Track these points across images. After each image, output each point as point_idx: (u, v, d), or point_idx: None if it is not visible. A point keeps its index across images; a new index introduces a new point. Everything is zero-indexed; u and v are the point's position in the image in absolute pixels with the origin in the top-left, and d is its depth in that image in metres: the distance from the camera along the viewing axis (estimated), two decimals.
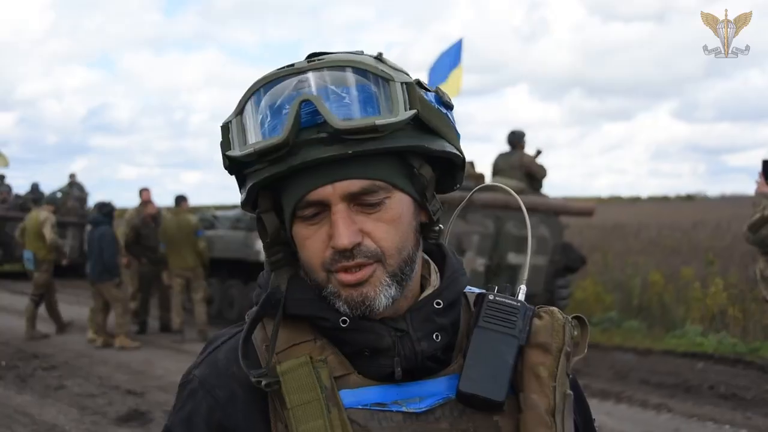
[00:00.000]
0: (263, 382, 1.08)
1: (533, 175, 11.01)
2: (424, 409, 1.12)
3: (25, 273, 19.66)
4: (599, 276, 13.40)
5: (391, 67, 1.09)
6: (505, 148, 11.35)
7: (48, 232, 11.48)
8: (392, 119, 1.03)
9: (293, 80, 1.05)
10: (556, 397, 1.13)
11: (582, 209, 12.23)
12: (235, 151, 1.08)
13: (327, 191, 1.06)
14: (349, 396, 1.10)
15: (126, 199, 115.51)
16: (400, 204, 1.10)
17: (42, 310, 11.76)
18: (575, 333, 1.20)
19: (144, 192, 12.28)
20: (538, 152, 11.36)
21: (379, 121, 1.02)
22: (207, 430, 1.15)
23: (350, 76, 1.05)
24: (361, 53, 1.12)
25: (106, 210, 11.04)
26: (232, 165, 1.11)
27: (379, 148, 1.04)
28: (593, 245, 16.37)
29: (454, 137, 1.14)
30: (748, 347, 9.76)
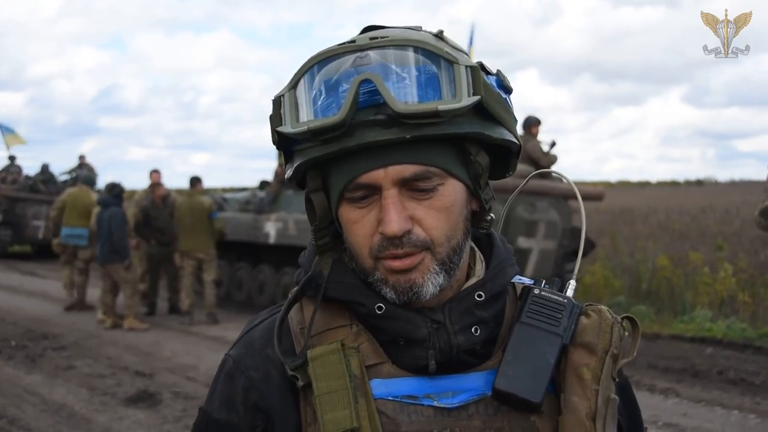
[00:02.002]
0: (300, 382, 1.07)
1: (536, 162, 10.97)
2: (456, 405, 1.08)
3: (33, 253, 19.87)
4: (608, 261, 13.36)
5: (452, 47, 1.05)
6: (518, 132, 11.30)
7: (94, 216, 11.56)
8: (455, 105, 0.98)
9: (351, 57, 1.00)
10: (599, 401, 1.07)
11: (592, 193, 12.17)
12: (287, 128, 1.03)
13: (379, 175, 1.02)
14: (380, 386, 1.07)
15: (135, 181, 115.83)
16: (453, 191, 1.06)
17: (49, 285, 11.82)
18: (625, 334, 1.14)
19: (154, 174, 12.28)
20: (553, 143, 11.34)
21: (442, 107, 0.97)
22: (245, 412, 1.13)
23: (413, 57, 1.00)
24: (420, 29, 1.08)
25: (115, 191, 11.04)
26: (281, 141, 1.07)
27: (438, 134, 1.00)
28: (602, 230, 16.33)
29: (512, 123, 1.10)
30: (758, 332, 9.73)
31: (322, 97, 1.01)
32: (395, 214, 1.01)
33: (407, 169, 1.01)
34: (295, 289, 1.14)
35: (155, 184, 12.11)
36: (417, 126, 0.98)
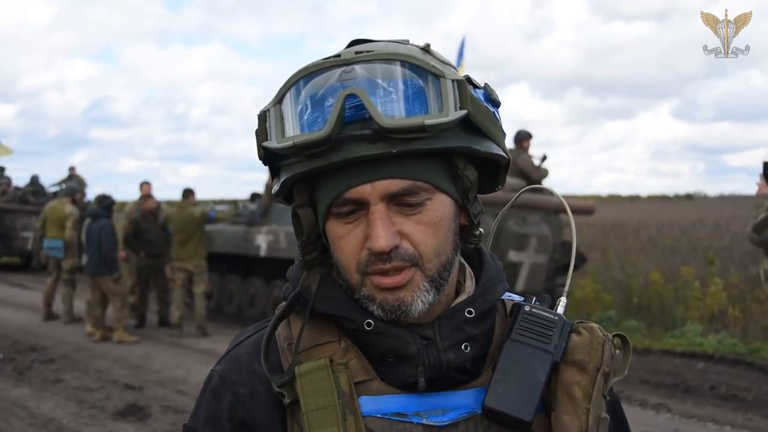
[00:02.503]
0: (286, 400, 1.06)
1: (527, 176, 11.00)
2: (446, 423, 1.07)
3: (22, 265, 19.78)
4: (599, 275, 13.39)
5: (439, 60, 1.04)
6: (509, 146, 11.36)
7: (69, 228, 11.58)
8: (442, 119, 0.97)
9: (338, 71, 0.99)
10: (590, 419, 1.06)
11: (582, 207, 12.20)
12: (273, 143, 1.02)
13: (366, 190, 1.00)
14: (368, 403, 1.06)
15: (126, 192, 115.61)
16: (441, 206, 1.04)
17: (37, 297, 11.79)
18: (616, 352, 1.13)
19: (144, 185, 12.26)
20: (544, 157, 11.38)
21: (429, 121, 0.96)
22: (231, 428, 1.11)
23: (399, 71, 0.99)
24: (407, 42, 1.08)
25: (105, 203, 11.02)
26: (267, 156, 1.06)
27: (424, 149, 0.99)
28: (593, 244, 16.37)
29: (500, 137, 1.09)
30: (749, 348, 9.74)
31: (308, 111, 1.00)
32: (383, 230, 1.00)
33: (394, 184, 1.00)
34: (283, 304, 1.13)
35: (146, 196, 12.09)
36: (403, 141, 0.97)
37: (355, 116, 0.98)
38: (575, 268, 11.35)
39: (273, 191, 1.12)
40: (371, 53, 0.99)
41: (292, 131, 1.01)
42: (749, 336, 10.32)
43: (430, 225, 1.03)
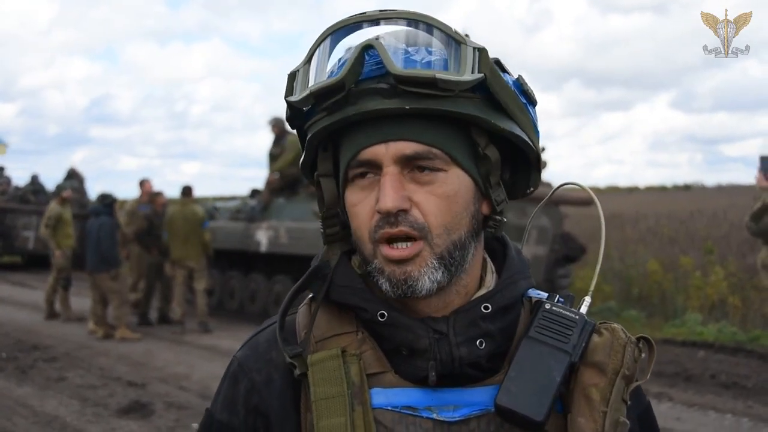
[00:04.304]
0: (296, 372, 1.06)
1: None
2: (457, 419, 1.05)
3: (22, 264, 19.80)
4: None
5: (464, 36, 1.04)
6: None
7: (42, 226, 11.75)
8: (455, 77, 0.96)
9: (362, 27, 1.02)
10: (606, 423, 1.03)
11: (582, 199, 12.20)
12: (294, 97, 1.04)
13: (380, 150, 1.01)
14: (380, 395, 1.05)
15: (126, 190, 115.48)
16: (457, 181, 1.03)
17: (39, 296, 11.83)
18: (642, 355, 1.09)
19: (145, 183, 12.27)
20: (542, 149, 11.41)
21: (440, 75, 0.96)
22: (246, 414, 1.12)
23: (421, 32, 1.01)
24: None
25: (107, 201, 11.04)
26: (294, 117, 1.08)
27: (438, 109, 0.98)
28: (592, 235, 16.37)
29: (529, 127, 1.07)
30: (748, 336, 9.78)
31: (330, 64, 1.02)
32: (391, 190, 0.99)
33: (409, 147, 1.00)
34: (303, 277, 1.13)
35: (155, 193, 12.11)
36: (416, 97, 0.98)
37: (374, 72, 0.99)
38: (574, 259, 11.39)
39: (300, 162, 1.14)
40: (395, 11, 1.01)
41: (314, 84, 1.02)
42: (749, 324, 10.36)
43: (443, 198, 1.01)
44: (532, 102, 1.09)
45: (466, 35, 1.04)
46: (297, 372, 1.06)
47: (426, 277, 1.02)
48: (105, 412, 7.12)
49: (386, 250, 1.02)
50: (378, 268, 1.04)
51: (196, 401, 7.13)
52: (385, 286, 1.04)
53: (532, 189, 1.14)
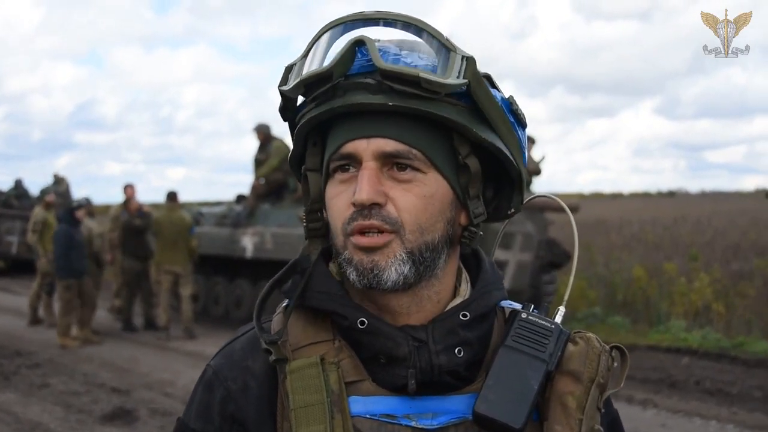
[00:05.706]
0: (272, 357, 1.07)
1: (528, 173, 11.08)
2: (435, 427, 1.06)
3: (6, 270, 19.63)
4: (583, 272, 13.44)
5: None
6: None
7: (29, 231, 11.65)
8: (439, 78, 0.98)
9: (361, 26, 1.04)
10: (582, 430, 1.05)
11: (568, 206, 12.28)
12: (286, 86, 1.06)
13: (361, 145, 1.03)
14: (358, 404, 1.06)
15: (110, 196, 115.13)
16: (434, 184, 1.04)
17: (23, 301, 11.73)
18: (614, 364, 1.12)
19: (128, 188, 12.21)
20: (543, 158, 11.47)
21: (424, 75, 0.97)
22: (221, 422, 1.12)
23: (415, 36, 1.03)
24: None
25: (68, 208, 11.03)
26: (286, 108, 1.09)
27: (420, 109, 1.00)
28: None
29: (515, 147, 1.08)
30: (732, 342, 9.83)
31: (322, 57, 1.04)
32: (367, 184, 1.01)
33: (389, 144, 1.02)
34: (282, 270, 1.15)
35: (127, 200, 12.06)
36: (401, 95, 0.99)
37: (365, 68, 1.02)
38: (558, 266, 11.42)
39: (289, 156, 1.16)
40: (391, 14, 1.04)
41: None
42: (733, 330, 10.42)
43: (419, 197, 1.03)
44: (522, 124, 1.11)
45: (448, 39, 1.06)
46: (272, 358, 1.07)
47: (393, 268, 1.03)
48: (89, 419, 7.07)
49: (357, 239, 1.03)
50: (347, 258, 1.05)
51: (181, 408, 7.03)
52: (352, 276, 1.05)
53: (513, 210, 1.15)
